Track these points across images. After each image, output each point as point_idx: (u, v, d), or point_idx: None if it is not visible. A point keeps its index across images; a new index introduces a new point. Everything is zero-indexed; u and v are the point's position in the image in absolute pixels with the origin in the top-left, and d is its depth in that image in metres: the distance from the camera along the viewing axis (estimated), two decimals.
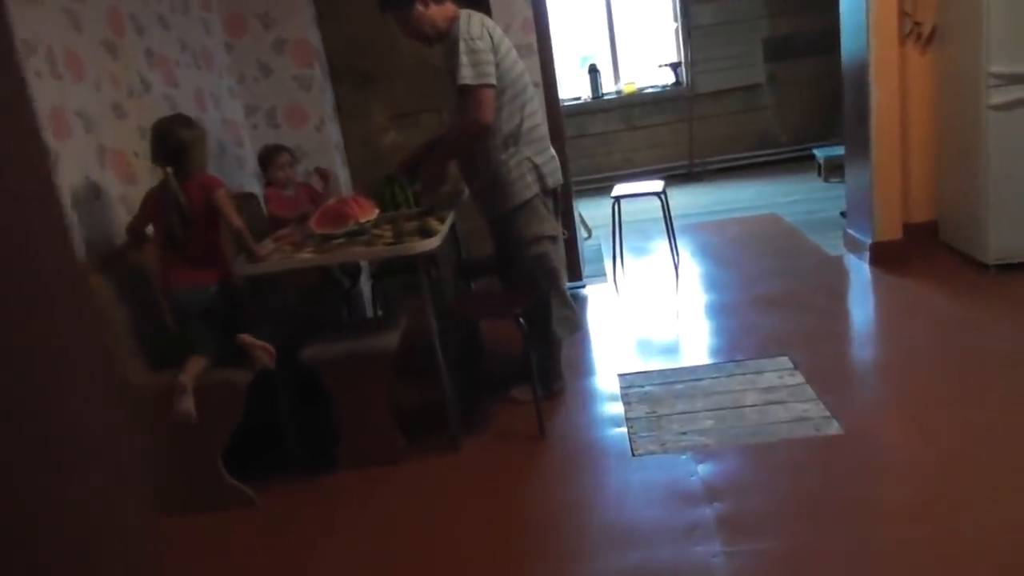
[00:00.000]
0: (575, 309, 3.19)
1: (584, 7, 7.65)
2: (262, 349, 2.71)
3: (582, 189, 7.09)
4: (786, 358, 3.27)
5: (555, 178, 3.08)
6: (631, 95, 7.51)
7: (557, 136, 4.20)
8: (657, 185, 4.72)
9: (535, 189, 2.99)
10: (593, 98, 7.52)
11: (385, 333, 2.82)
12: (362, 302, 4.03)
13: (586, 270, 4.84)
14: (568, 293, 3.17)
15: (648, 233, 5.53)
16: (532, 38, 4.06)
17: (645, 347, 3.66)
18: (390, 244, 2.67)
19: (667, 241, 4.79)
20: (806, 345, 3.39)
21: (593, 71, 7.45)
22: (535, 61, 4.09)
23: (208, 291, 2.74)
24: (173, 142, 2.84)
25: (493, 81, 2.82)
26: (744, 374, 3.20)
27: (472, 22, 2.83)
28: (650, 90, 7.57)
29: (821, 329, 3.59)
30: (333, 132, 4.29)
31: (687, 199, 6.65)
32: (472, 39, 2.79)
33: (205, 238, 2.78)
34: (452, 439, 2.89)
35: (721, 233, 5.44)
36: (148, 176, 3.15)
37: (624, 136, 7.62)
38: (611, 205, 4.77)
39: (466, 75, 2.78)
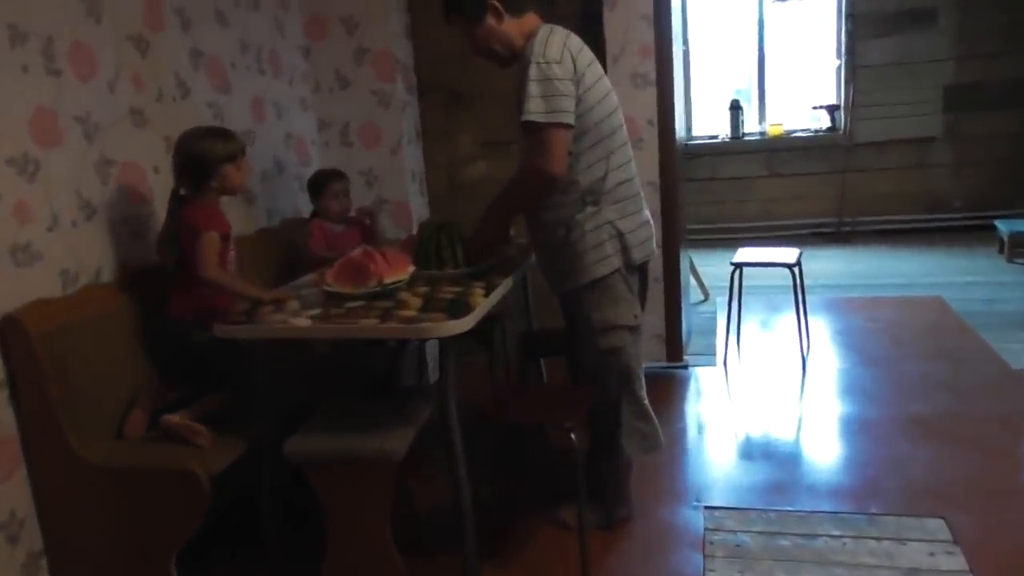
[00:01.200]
0: (653, 421, 2.44)
1: (732, 36, 6.82)
2: (192, 432, 2.20)
3: (704, 240, 6.26)
4: (942, 522, 2.39)
5: (644, 250, 2.36)
6: (777, 138, 6.59)
7: (669, 186, 3.46)
8: (790, 255, 3.86)
9: (616, 263, 2.28)
10: (732, 138, 6.67)
11: (399, 426, 2.18)
12: (416, 360, 3.42)
13: (691, 344, 4.04)
14: (646, 401, 2.43)
15: (776, 304, 4.65)
16: (650, 67, 3.34)
17: (748, 471, 2.84)
18: (408, 319, 2.03)
19: (796, 321, 3.92)
20: (974, 505, 2.48)
21: (735, 108, 6.60)
22: (651, 94, 3.37)
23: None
24: (187, 155, 2.38)
25: (569, 120, 2.14)
26: (879, 539, 2.34)
27: (552, 41, 2.17)
28: (800, 134, 6.63)
29: (998, 482, 2.65)
30: (411, 157, 3.73)
31: (831, 265, 5.68)
32: (547, 63, 2.12)
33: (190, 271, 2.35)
34: (467, 569, 2.21)
35: (869, 315, 4.48)
36: (163, 196, 2.67)
37: (763, 183, 6.71)
38: (731, 273, 3.95)
39: (533, 109, 2.11)
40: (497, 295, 2.30)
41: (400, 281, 2.31)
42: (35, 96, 2.21)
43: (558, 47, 2.16)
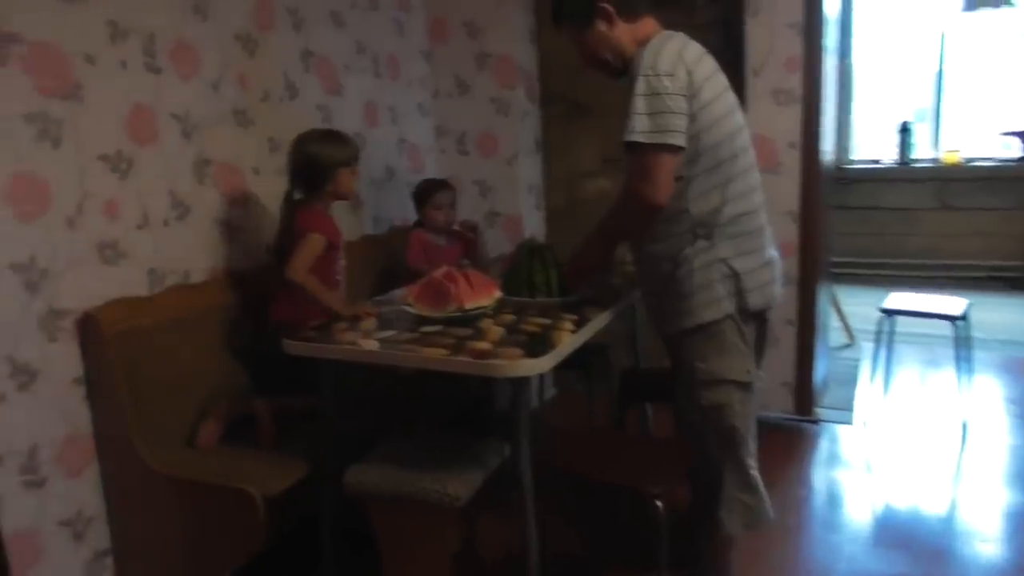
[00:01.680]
0: (761, 493, 2.10)
1: (908, 50, 6.17)
2: (267, 428, 2.17)
3: (854, 275, 5.67)
4: None
5: (764, 295, 2.03)
6: (952, 167, 5.87)
7: (810, 215, 3.07)
8: (955, 305, 3.34)
9: (727, 308, 1.97)
10: (899, 164, 6.02)
11: (468, 468, 1.98)
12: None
13: (826, 395, 3.59)
14: (754, 470, 2.09)
15: (937, 357, 4.08)
16: (795, 82, 2.96)
17: (882, 561, 2.41)
18: (480, 352, 1.82)
19: (957, 382, 3.39)
20: None
21: (904, 130, 5.96)
22: (795, 112, 2.99)
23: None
24: (303, 158, 2.34)
25: (678, 141, 1.85)
26: None
27: (664, 51, 1.89)
28: (982, 163, 5.87)
29: None
30: (528, 169, 3.53)
31: (1011, 316, 4.97)
32: (657, 75, 1.85)
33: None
34: None
35: None
36: (271, 197, 2.62)
37: (932, 217, 6.00)
38: (880, 320, 3.47)
39: (638, 128, 1.85)
40: (588, 332, 2.05)
41: (483, 308, 2.10)
42: (133, 93, 2.18)
43: (671, 57, 1.88)
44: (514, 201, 3.49)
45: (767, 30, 2.96)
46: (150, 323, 2.16)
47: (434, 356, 1.83)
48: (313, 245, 2.28)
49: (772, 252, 2.08)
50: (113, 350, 2.03)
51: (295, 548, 2.36)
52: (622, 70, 2.04)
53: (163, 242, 2.28)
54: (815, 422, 3.36)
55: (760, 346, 2.12)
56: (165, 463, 2.07)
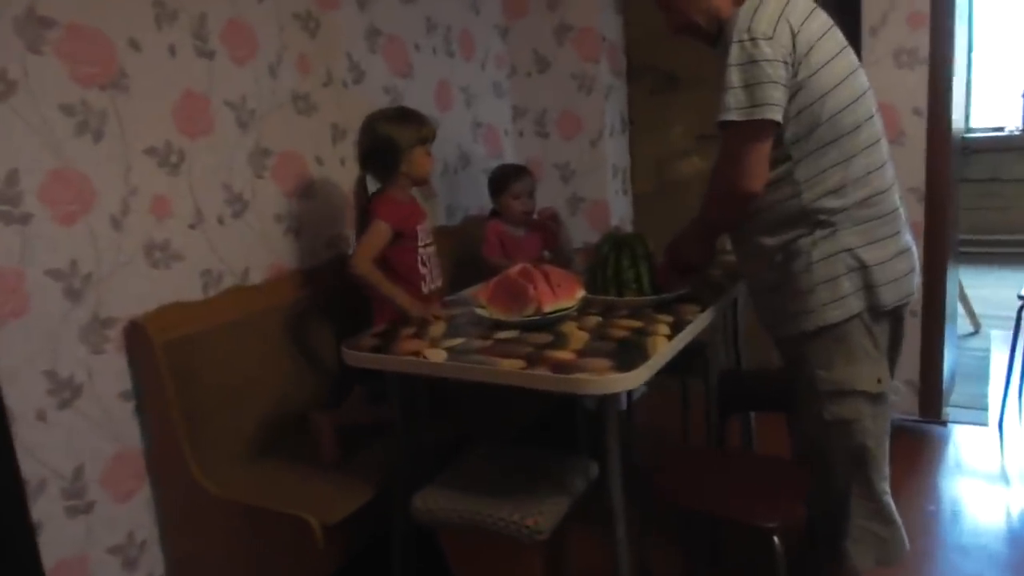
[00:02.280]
0: (895, 523, 1.78)
1: None
2: (328, 443, 2.00)
3: (976, 254, 5.14)
4: None
5: (900, 290, 1.70)
6: None
7: (938, 192, 2.68)
8: None
9: (855, 306, 1.66)
10: None
11: (550, 494, 1.73)
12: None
13: (954, 393, 3.19)
14: (887, 496, 1.77)
15: None
16: (921, 40, 2.57)
17: None
18: (562, 364, 1.57)
19: None
20: None
21: None
22: (920, 75, 2.60)
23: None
24: (372, 139, 2.14)
25: (775, 115, 1.56)
26: None
27: (763, 9, 1.59)
28: None
29: None
30: (613, 150, 3.24)
31: None
32: (754, 40, 1.55)
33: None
34: None
35: None
36: (335, 189, 2.44)
37: None
38: (1020, 308, 3.04)
39: (731, 103, 1.57)
40: (687, 337, 1.77)
41: (565, 310, 1.85)
42: (183, 80, 2.01)
43: (770, 18, 1.57)
44: (599, 185, 3.21)
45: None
46: (205, 329, 1.99)
47: (509, 370, 1.59)
48: (377, 234, 2.08)
49: (908, 238, 1.75)
50: (163, 360, 1.87)
51: (367, 569, 2.18)
52: (717, 36, 1.74)
53: (218, 241, 2.12)
54: (943, 424, 2.98)
55: (894, 349, 1.79)
56: (221, 484, 1.90)
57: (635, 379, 1.53)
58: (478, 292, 1.95)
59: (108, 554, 1.87)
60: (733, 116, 1.57)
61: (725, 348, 2.53)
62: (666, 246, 1.95)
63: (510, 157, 3.31)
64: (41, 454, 1.73)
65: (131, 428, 1.92)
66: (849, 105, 1.63)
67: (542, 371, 1.56)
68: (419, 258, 2.19)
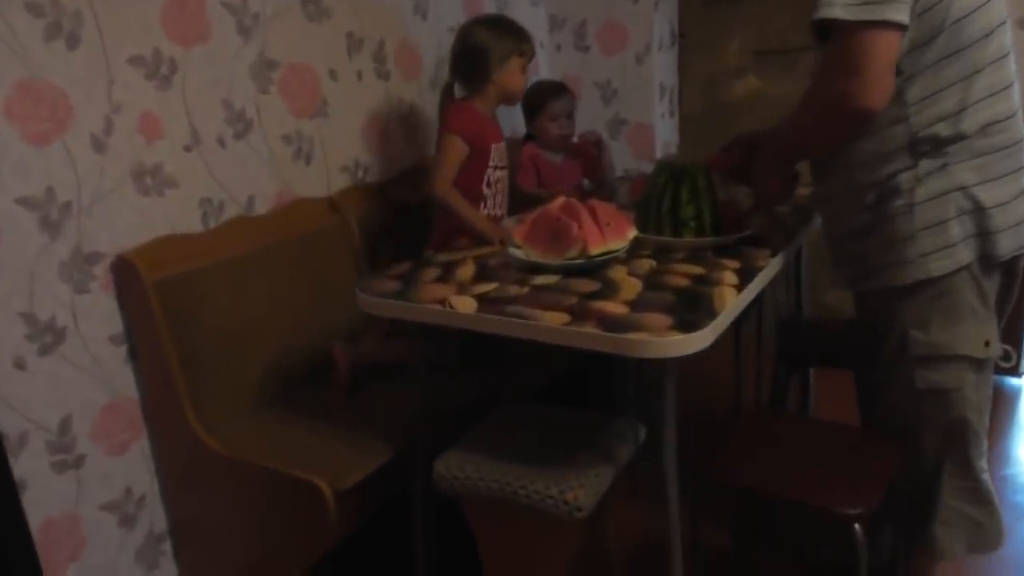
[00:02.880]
0: (993, 505, 1.54)
1: None
2: (340, 381, 1.85)
3: None
4: None
5: (1019, 237, 1.42)
6: None
7: None
8: None
9: (964, 256, 1.39)
10: None
11: (592, 464, 1.51)
12: None
13: None
14: (985, 473, 1.53)
15: None
16: None
17: None
18: (611, 319, 1.32)
19: None
20: None
21: None
22: None
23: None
24: (462, 45, 1.99)
25: (899, 16, 1.25)
26: None
27: None
28: None
29: None
30: (662, 67, 2.91)
31: None
32: None
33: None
34: None
35: None
36: (350, 107, 2.17)
37: None
38: None
39: None
40: (758, 286, 1.51)
41: (615, 252, 1.59)
42: None
43: None
44: (645, 107, 2.90)
45: None
46: (203, 265, 1.77)
47: (551, 325, 1.34)
48: (452, 150, 1.91)
49: None
50: (156, 301, 1.65)
51: (383, 532, 2.00)
52: None
53: (218, 165, 1.87)
54: (1020, 376, 2.71)
55: (1003, 306, 1.52)
56: (224, 440, 1.71)
57: (701, 340, 1.28)
58: (513, 229, 1.69)
59: (102, 511, 1.70)
60: (840, 13, 1.26)
61: (786, 292, 2.27)
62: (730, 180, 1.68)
63: (545, 74, 3.00)
64: (21, 406, 1.53)
65: (125, 375, 1.72)
66: (980, 6, 1.32)
67: (590, 328, 1.31)
68: (486, 179, 1.99)
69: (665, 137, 3.01)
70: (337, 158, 2.18)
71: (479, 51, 1.93)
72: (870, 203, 1.45)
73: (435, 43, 2.45)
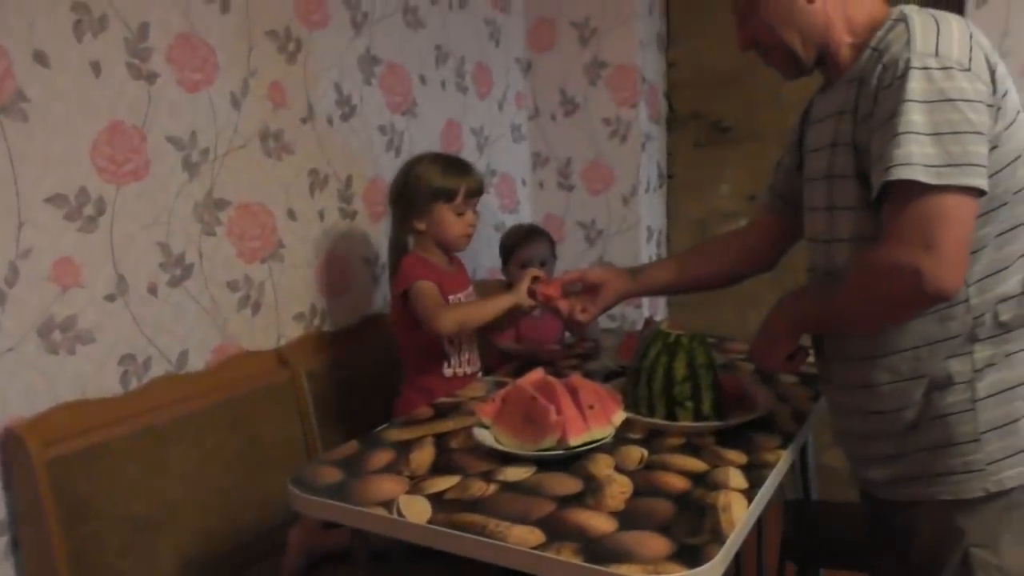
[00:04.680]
0: None
1: None
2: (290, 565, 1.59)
3: None
4: None
5: None
6: None
7: None
8: None
9: None
10: None
11: None
12: None
13: None
14: None
15: None
16: None
17: None
18: (592, 551, 1.06)
19: None
20: None
21: None
22: None
23: None
24: (400, 178, 1.83)
25: (981, 182, 1.06)
26: None
27: (948, 31, 1.11)
28: None
29: None
30: (649, 208, 2.76)
31: None
32: (947, 68, 1.07)
33: None
34: None
35: None
36: (309, 249, 1.97)
37: None
38: None
39: (917, 156, 1.05)
40: (769, 490, 1.26)
41: (599, 441, 1.34)
42: (109, 106, 1.54)
43: (963, 40, 1.10)
44: (632, 250, 2.73)
45: (998, 25, 2.10)
46: (114, 437, 1.49)
47: (519, 548, 1.07)
48: (426, 294, 1.70)
49: None
50: (47, 483, 1.37)
51: None
52: (809, 64, 1.27)
53: (147, 316, 1.63)
54: None
55: None
56: None
57: (708, 575, 1.02)
58: (483, 405, 1.44)
59: None
60: (921, 176, 1.05)
61: (791, 469, 2.01)
62: (751, 346, 1.45)
63: (527, 212, 2.84)
64: None
65: (4, 572, 1.41)
66: None
67: (567, 556, 1.04)
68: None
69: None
70: (290, 305, 1.95)
71: (410, 189, 1.77)
72: (917, 398, 1.21)
73: None
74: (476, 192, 1.81)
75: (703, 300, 2.79)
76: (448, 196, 1.75)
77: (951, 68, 1.06)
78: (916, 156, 1.05)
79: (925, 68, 1.07)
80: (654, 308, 2.80)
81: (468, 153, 2.55)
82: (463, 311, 1.71)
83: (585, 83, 2.71)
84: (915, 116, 1.06)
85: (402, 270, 1.76)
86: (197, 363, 1.73)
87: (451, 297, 1.78)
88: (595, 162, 2.74)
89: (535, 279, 1.71)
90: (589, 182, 2.77)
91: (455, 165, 1.81)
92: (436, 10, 2.36)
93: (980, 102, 1.06)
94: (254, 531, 1.67)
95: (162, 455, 1.56)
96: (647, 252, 2.77)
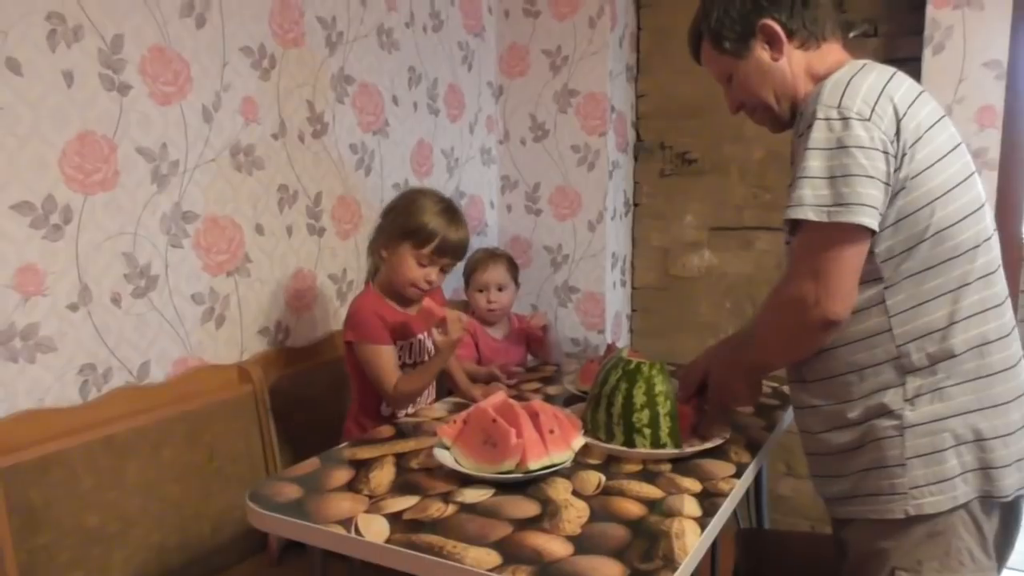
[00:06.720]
0: None
1: None
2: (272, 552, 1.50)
3: None
4: None
5: None
6: None
7: None
8: None
9: (963, 494, 1.21)
10: None
11: None
12: None
13: None
14: None
15: None
16: (991, 140, 2.17)
17: None
18: (552, 570, 1.08)
19: None
20: None
21: None
22: (988, 181, 2.19)
23: None
24: (390, 205, 1.85)
25: (869, 222, 1.15)
26: None
27: (859, 83, 1.20)
28: None
29: None
30: (614, 235, 2.81)
31: None
32: (845, 119, 1.17)
33: None
34: None
35: None
36: (279, 263, 1.97)
37: None
38: None
39: (808, 197, 1.17)
40: (721, 519, 1.29)
41: (558, 465, 1.37)
42: (79, 117, 1.54)
43: (868, 92, 1.18)
44: (595, 276, 2.77)
45: (953, 70, 2.19)
46: (69, 446, 1.48)
47: (475, 569, 1.09)
48: (379, 358, 1.71)
49: None
50: (0, 492, 1.35)
51: None
52: (789, 118, 1.35)
53: (109, 326, 1.62)
54: None
55: (1003, 552, 1.32)
56: None
57: None
58: (445, 426, 1.46)
59: None
60: (810, 215, 1.16)
61: (744, 498, 2.05)
62: (684, 373, 1.49)
63: (493, 234, 2.87)
64: None
65: None
66: (965, 218, 1.22)
67: None
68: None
69: (616, 307, 2.86)
70: (255, 320, 1.95)
71: (387, 221, 1.78)
72: (854, 420, 1.27)
73: (378, 198, 2.29)
74: (448, 252, 1.74)
75: (663, 328, 2.86)
76: (418, 238, 1.70)
77: (850, 118, 1.16)
78: (808, 197, 1.16)
79: (827, 119, 1.17)
80: (616, 334, 2.85)
81: (438, 174, 2.58)
82: (411, 388, 1.70)
83: (555, 110, 2.76)
84: (813, 162, 1.17)
85: (352, 315, 1.73)
86: (158, 375, 1.72)
87: (401, 343, 1.77)
88: (563, 188, 2.78)
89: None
90: (556, 207, 2.81)
91: (448, 217, 1.74)
92: (410, 32, 2.39)
93: (876, 149, 1.15)
94: (208, 546, 1.66)
95: (118, 467, 1.55)
96: (611, 279, 2.81)
